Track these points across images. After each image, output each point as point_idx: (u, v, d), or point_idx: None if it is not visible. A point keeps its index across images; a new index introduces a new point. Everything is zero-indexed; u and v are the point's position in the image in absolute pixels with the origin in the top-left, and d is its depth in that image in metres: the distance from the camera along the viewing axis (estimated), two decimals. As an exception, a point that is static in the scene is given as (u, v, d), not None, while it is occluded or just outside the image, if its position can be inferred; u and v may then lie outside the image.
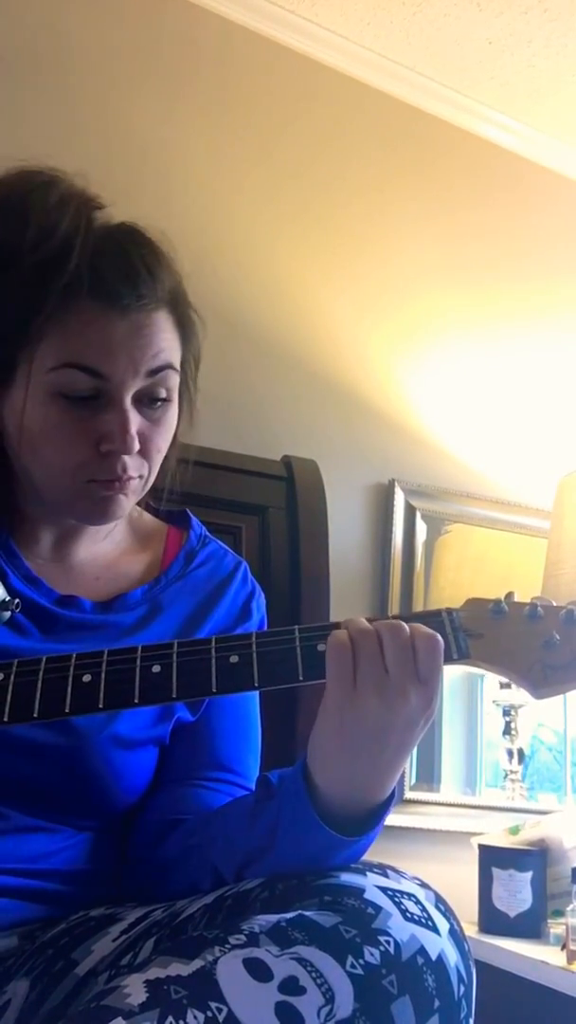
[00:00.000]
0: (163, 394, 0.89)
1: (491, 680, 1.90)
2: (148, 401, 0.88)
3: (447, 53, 1.97)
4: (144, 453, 0.89)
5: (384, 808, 0.78)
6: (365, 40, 1.95)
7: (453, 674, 1.95)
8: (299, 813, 0.76)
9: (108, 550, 1.00)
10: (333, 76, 1.97)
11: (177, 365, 0.90)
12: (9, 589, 0.88)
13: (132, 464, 0.87)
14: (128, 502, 0.91)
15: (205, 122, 1.83)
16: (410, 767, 1.82)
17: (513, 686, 1.82)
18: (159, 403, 0.89)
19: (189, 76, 1.82)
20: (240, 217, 1.83)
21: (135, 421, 0.86)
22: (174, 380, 0.90)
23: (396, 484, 1.88)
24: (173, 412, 0.92)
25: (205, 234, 1.78)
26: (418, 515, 1.90)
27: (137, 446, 0.87)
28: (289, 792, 0.77)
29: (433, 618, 0.80)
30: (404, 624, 0.75)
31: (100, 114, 1.72)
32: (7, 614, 0.84)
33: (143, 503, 1.04)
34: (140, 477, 0.90)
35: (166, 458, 0.95)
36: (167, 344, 0.88)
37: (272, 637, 0.78)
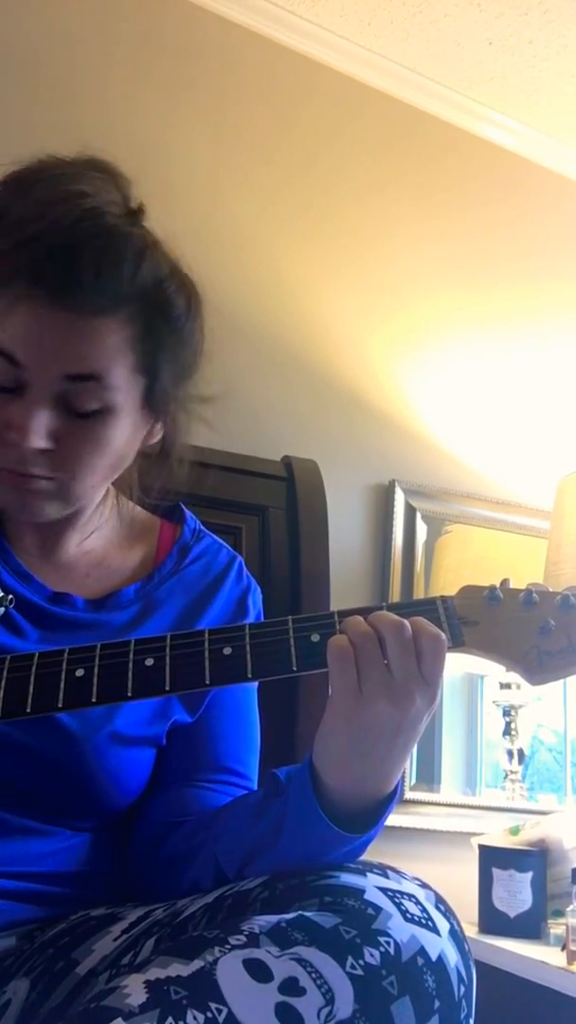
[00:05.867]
0: (91, 406, 0.83)
1: (491, 680, 1.90)
2: (76, 408, 0.83)
3: (447, 54, 1.97)
4: (62, 458, 0.84)
5: (389, 802, 0.78)
6: (365, 41, 1.95)
7: (453, 675, 1.95)
8: (305, 811, 0.76)
9: (99, 545, 0.99)
10: (333, 76, 1.97)
11: (114, 379, 0.83)
12: (2, 585, 0.88)
13: (40, 463, 0.83)
14: (46, 506, 0.86)
15: (205, 123, 1.83)
16: (410, 767, 1.82)
17: (513, 686, 1.83)
18: (89, 413, 0.83)
19: (190, 77, 1.82)
20: (240, 217, 1.83)
21: (42, 417, 0.82)
22: (106, 395, 0.83)
23: (396, 484, 1.88)
24: (109, 426, 0.85)
25: (205, 234, 1.78)
26: (418, 515, 1.90)
27: (40, 443, 0.82)
28: (296, 790, 0.77)
29: (427, 606, 0.79)
30: (406, 623, 0.75)
31: (100, 114, 1.72)
32: (0, 610, 0.84)
33: (133, 495, 1.03)
34: (52, 480, 0.85)
35: (164, 451, 0.93)
36: (102, 353, 0.82)
37: (266, 628, 0.77)
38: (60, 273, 0.79)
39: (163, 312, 0.86)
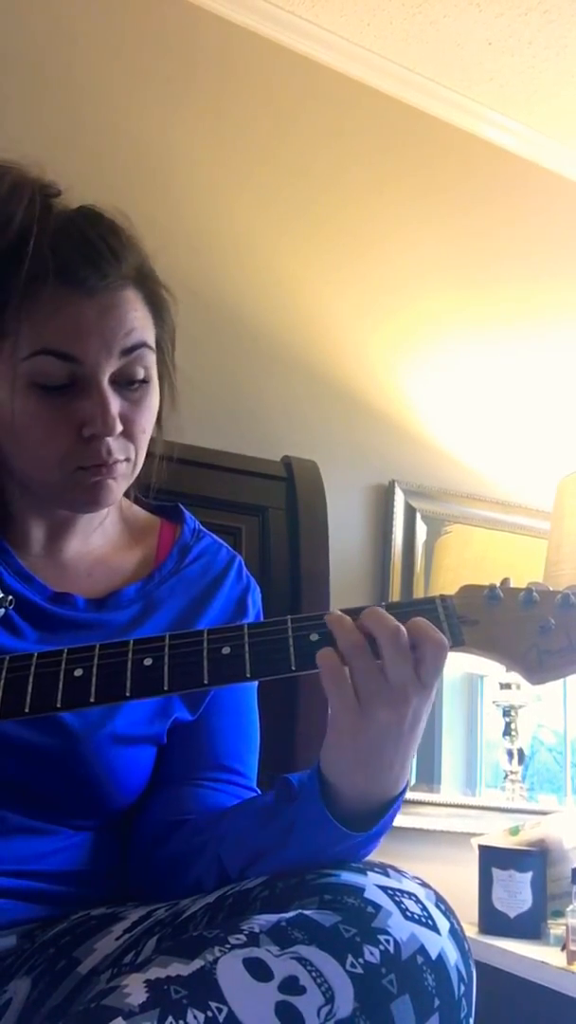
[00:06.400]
0: (141, 374, 0.88)
1: (491, 681, 1.90)
2: (126, 383, 0.87)
3: (447, 54, 1.97)
4: (128, 435, 0.88)
5: (396, 800, 0.77)
6: (365, 41, 1.95)
7: (453, 675, 1.95)
8: (316, 817, 0.75)
9: (100, 544, 0.99)
10: (333, 77, 1.97)
11: (152, 343, 0.89)
12: (2, 586, 0.88)
13: (117, 447, 0.87)
14: (118, 487, 0.90)
15: (206, 123, 1.83)
16: (410, 768, 1.82)
17: (513, 686, 1.83)
18: (137, 384, 0.88)
19: (190, 77, 1.82)
20: (241, 217, 1.83)
21: (115, 402, 0.86)
22: (150, 359, 0.89)
23: (396, 485, 1.88)
24: (154, 392, 0.91)
25: (206, 234, 1.78)
26: (418, 516, 1.90)
27: (119, 427, 0.86)
28: (307, 797, 0.77)
29: (427, 605, 0.79)
30: (402, 629, 0.74)
31: (101, 115, 1.72)
32: (0, 611, 0.84)
33: (131, 495, 1.03)
34: (127, 460, 0.89)
35: (151, 448, 0.94)
36: (138, 323, 0.87)
37: (264, 628, 0.77)
38: (85, 264, 0.83)
39: (157, 285, 0.92)
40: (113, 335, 0.85)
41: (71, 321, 0.83)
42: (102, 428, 0.85)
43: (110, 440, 0.86)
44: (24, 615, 0.89)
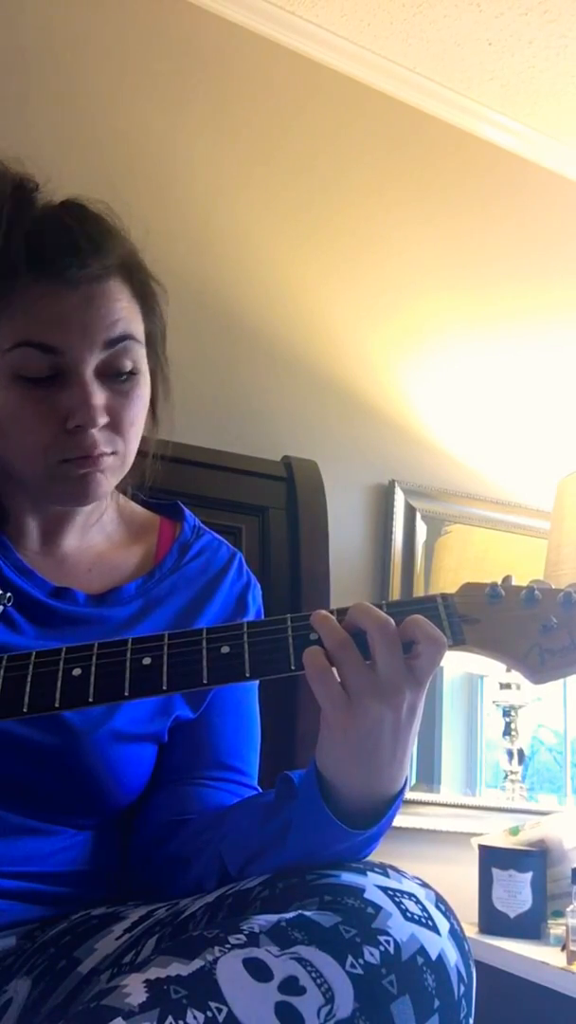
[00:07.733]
0: (128, 366, 0.87)
1: (491, 680, 1.90)
2: (114, 375, 0.87)
3: (447, 54, 1.97)
4: (116, 428, 0.88)
5: (396, 798, 0.77)
6: (365, 41, 1.95)
7: (453, 675, 1.95)
8: (315, 814, 0.75)
9: (100, 541, 0.99)
10: (333, 77, 1.97)
11: (139, 336, 0.89)
12: (2, 581, 0.88)
13: (102, 439, 0.86)
14: (107, 480, 0.89)
15: (205, 123, 1.83)
16: (410, 768, 1.82)
17: (513, 686, 1.83)
18: (125, 376, 0.88)
19: (190, 77, 1.82)
20: (241, 217, 1.83)
21: (98, 394, 0.85)
22: (138, 351, 0.88)
23: (396, 485, 1.88)
24: (143, 385, 0.90)
25: (206, 234, 1.78)
26: (418, 516, 1.90)
27: (104, 419, 0.85)
28: (306, 794, 0.77)
29: (427, 604, 0.78)
30: (390, 620, 0.73)
31: (101, 115, 1.72)
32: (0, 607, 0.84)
33: (128, 492, 1.03)
34: (114, 453, 0.88)
35: (144, 447, 0.94)
36: (124, 314, 0.87)
37: (264, 627, 0.76)
38: (64, 254, 0.83)
39: (145, 276, 0.92)
40: (96, 326, 0.84)
41: (52, 312, 0.83)
42: (85, 419, 0.84)
43: (95, 432, 0.85)
44: (24, 610, 0.89)
